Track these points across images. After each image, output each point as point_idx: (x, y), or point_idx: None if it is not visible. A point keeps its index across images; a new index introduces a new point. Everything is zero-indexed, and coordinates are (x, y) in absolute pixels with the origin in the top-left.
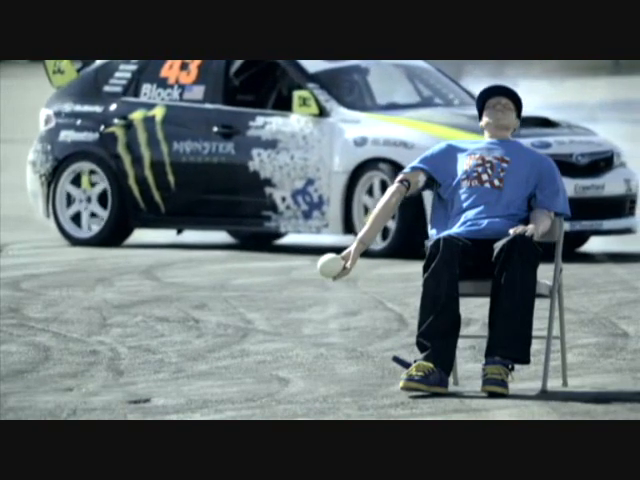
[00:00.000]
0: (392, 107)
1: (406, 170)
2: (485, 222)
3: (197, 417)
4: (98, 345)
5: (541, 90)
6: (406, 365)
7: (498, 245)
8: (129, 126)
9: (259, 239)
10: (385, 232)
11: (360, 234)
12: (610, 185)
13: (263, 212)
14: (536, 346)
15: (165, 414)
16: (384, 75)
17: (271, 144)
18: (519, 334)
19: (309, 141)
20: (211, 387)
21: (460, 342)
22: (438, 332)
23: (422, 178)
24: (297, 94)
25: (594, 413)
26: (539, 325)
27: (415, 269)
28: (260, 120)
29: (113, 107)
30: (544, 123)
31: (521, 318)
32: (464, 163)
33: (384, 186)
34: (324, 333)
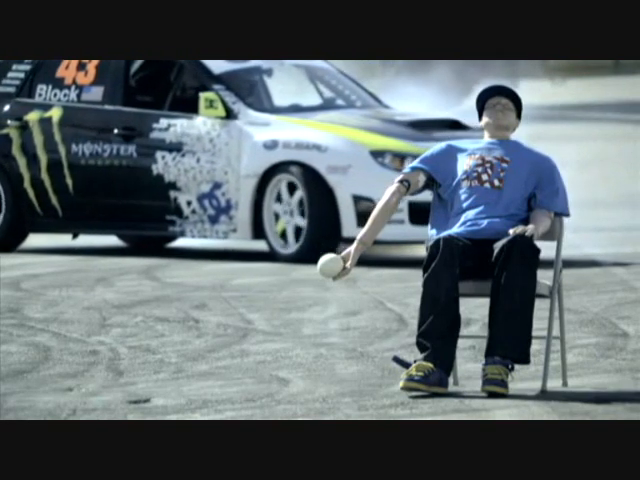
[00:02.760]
0: (295, 109)
1: (406, 170)
2: (485, 222)
3: (197, 417)
4: (98, 345)
5: (542, 90)
6: (406, 365)
7: (498, 245)
8: (24, 127)
9: (152, 243)
10: (298, 233)
11: (360, 234)
12: None
13: (167, 216)
14: (536, 346)
15: (165, 414)
16: (286, 76)
17: (176, 147)
18: (519, 334)
19: (216, 144)
20: (211, 387)
21: (460, 342)
22: (438, 332)
23: (422, 178)
24: (203, 96)
25: (594, 413)
26: (539, 325)
27: (415, 269)
28: (164, 122)
29: (6, 108)
30: (455, 126)
31: (521, 318)
32: (464, 163)
33: (291, 188)
34: (324, 333)
